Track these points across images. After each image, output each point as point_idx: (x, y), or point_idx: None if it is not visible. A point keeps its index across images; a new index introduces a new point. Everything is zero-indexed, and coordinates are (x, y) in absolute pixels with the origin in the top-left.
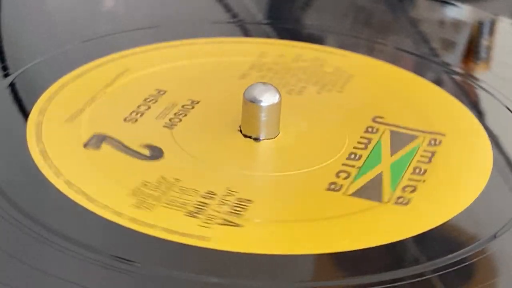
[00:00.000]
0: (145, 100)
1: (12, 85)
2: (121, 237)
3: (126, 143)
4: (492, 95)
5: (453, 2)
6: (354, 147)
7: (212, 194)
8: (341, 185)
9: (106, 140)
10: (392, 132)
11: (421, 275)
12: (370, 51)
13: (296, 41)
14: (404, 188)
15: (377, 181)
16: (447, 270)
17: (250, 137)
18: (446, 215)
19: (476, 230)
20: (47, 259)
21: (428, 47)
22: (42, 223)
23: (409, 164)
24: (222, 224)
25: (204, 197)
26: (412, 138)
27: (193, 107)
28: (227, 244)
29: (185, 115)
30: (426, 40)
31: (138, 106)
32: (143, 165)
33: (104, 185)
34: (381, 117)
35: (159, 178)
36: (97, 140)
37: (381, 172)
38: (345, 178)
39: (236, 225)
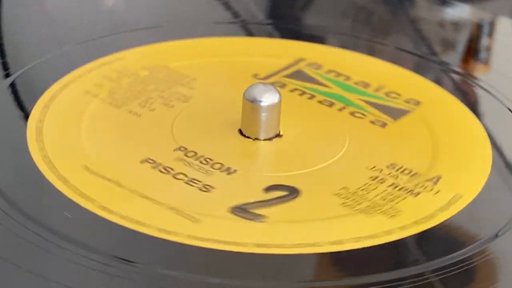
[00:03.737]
0: (163, 172)
1: (13, 85)
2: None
3: (250, 200)
4: (492, 95)
5: (453, 2)
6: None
7: (376, 178)
8: (382, 121)
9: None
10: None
11: (421, 274)
12: (370, 51)
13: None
14: None
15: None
16: (448, 270)
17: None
18: (446, 215)
19: (475, 230)
20: (47, 260)
21: (428, 47)
22: (42, 224)
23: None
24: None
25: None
26: None
27: (196, 154)
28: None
29: (206, 158)
30: (426, 39)
31: (175, 176)
32: (307, 199)
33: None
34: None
35: (344, 201)
36: (241, 211)
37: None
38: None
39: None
